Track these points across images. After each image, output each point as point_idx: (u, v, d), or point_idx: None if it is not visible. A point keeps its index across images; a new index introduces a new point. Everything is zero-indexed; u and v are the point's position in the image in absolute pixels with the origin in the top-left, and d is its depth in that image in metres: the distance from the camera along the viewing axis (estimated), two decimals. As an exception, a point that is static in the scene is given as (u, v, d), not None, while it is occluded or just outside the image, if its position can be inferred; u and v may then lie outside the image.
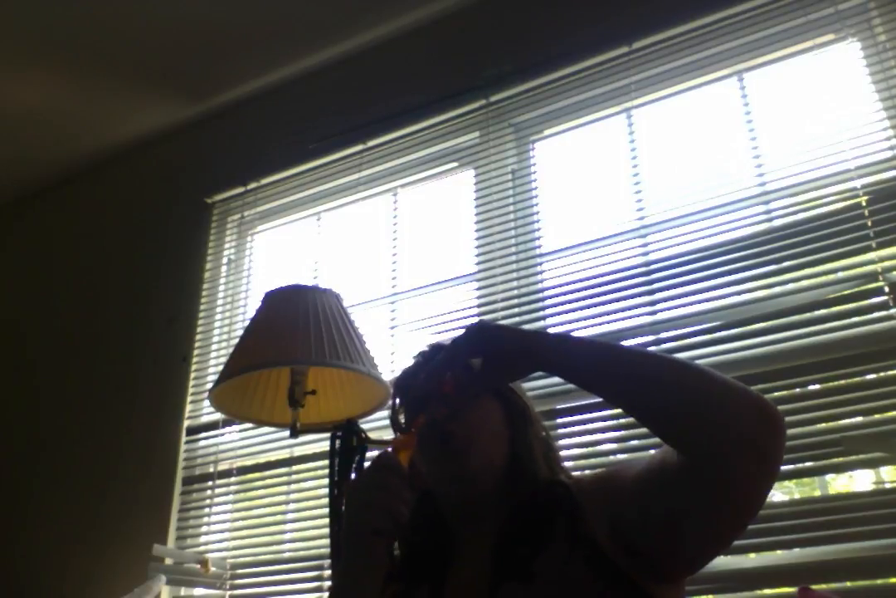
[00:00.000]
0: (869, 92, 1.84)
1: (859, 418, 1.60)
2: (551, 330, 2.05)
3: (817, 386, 1.66)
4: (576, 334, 2.00)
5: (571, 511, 0.98)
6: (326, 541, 1.63)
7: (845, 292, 1.70)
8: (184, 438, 2.51)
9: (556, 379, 1.93)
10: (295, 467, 2.28)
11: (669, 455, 0.88)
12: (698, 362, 1.78)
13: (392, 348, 2.27)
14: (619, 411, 1.86)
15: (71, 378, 2.92)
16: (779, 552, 1.59)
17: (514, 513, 1.03)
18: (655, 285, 1.93)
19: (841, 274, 1.73)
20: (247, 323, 1.81)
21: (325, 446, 1.71)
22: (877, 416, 1.58)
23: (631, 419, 1.83)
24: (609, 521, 0.94)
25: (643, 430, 1.80)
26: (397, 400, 1.18)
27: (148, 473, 2.51)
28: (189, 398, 2.57)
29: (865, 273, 1.70)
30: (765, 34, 2.02)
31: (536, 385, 1.95)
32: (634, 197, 2.08)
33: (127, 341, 2.84)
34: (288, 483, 2.30)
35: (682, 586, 0.99)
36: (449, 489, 1.08)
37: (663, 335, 1.88)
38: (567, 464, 1.83)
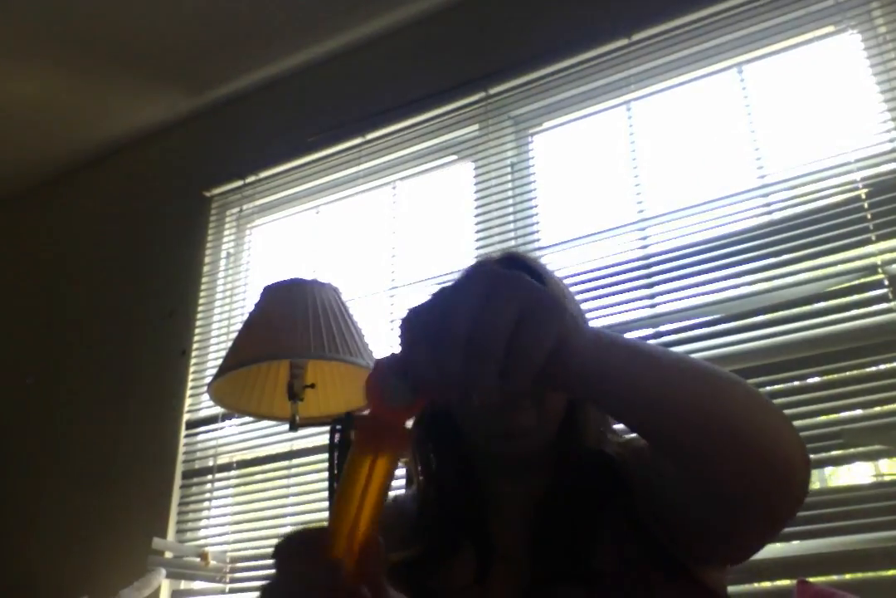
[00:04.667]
0: (869, 84, 1.84)
1: (859, 411, 1.60)
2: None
3: (817, 379, 1.66)
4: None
5: (619, 490, 0.85)
6: (326, 534, 1.63)
7: (845, 285, 1.70)
8: (183, 431, 2.51)
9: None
10: (294, 461, 2.28)
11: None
12: (698, 355, 1.79)
13: (391, 342, 2.27)
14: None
15: (70, 372, 2.92)
16: (778, 544, 1.59)
17: (556, 487, 0.89)
18: (655, 278, 1.93)
19: (840, 267, 1.73)
20: (246, 317, 1.81)
21: (324, 439, 1.72)
22: (877, 408, 1.59)
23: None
24: (648, 501, 0.82)
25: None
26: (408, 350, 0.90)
27: (147, 466, 2.51)
28: (188, 392, 2.57)
29: (865, 266, 1.70)
30: (765, 26, 2.02)
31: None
32: (634, 190, 2.07)
33: (126, 334, 2.84)
34: (287, 477, 2.30)
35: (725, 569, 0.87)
36: (493, 446, 0.91)
37: (663, 328, 1.88)
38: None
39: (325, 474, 1.56)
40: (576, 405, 0.92)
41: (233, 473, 2.39)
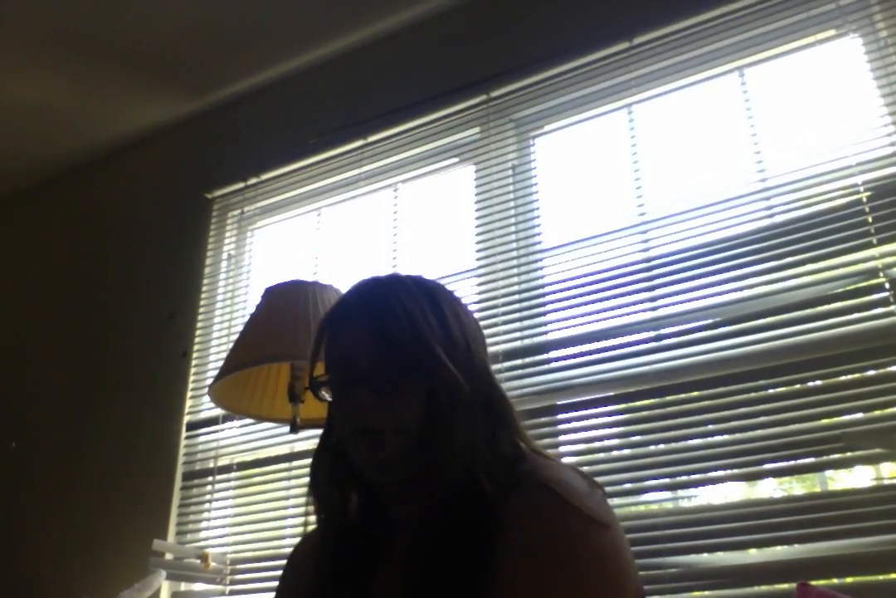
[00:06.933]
0: (870, 88, 1.84)
1: (860, 415, 1.60)
2: (551, 326, 2.04)
3: (818, 382, 1.66)
4: (575, 330, 1.99)
5: (484, 537, 0.85)
6: (326, 536, 1.63)
7: (846, 289, 1.70)
8: (184, 433, 2.51)
9: (556, 375, 1.94)
10: (295, 463, 2.28)
11: None
12: (698, 358, 1.79)
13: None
14: (620, 406, 1.86)
15: (71, 373, 2.92)
16: (778, 547, 1.58)
17: (422, 525, 0.91)
18: (656, 281, 1.93)
19: (842, 270, 1.73)
20: (247, 318, 1.81)
21: (325, 441, 1.72)
22: (877, 412, 1.58)
23: (632, 415, 1.84)
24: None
25: (645, 426, 1.80)
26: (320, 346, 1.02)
27: (148, 468, 2.51)
28: (189, 394, 2.57)
29: (866, 269, 1.70)
30: (766, 30, 2.02)
31: (535, 381, 1.95)
32: (635, 193, 2.07)
33: (127, 336, 2.84)
34: (288, 479, 2.29)
35: None
36: (366, 475, 0.98)
37: (664, 331, 1.88)
38: (571, 460, 1.83)
39: (326, 477, 1.55)
40: (436, 426, 0.92)
41: (233, 475, 2.39)
